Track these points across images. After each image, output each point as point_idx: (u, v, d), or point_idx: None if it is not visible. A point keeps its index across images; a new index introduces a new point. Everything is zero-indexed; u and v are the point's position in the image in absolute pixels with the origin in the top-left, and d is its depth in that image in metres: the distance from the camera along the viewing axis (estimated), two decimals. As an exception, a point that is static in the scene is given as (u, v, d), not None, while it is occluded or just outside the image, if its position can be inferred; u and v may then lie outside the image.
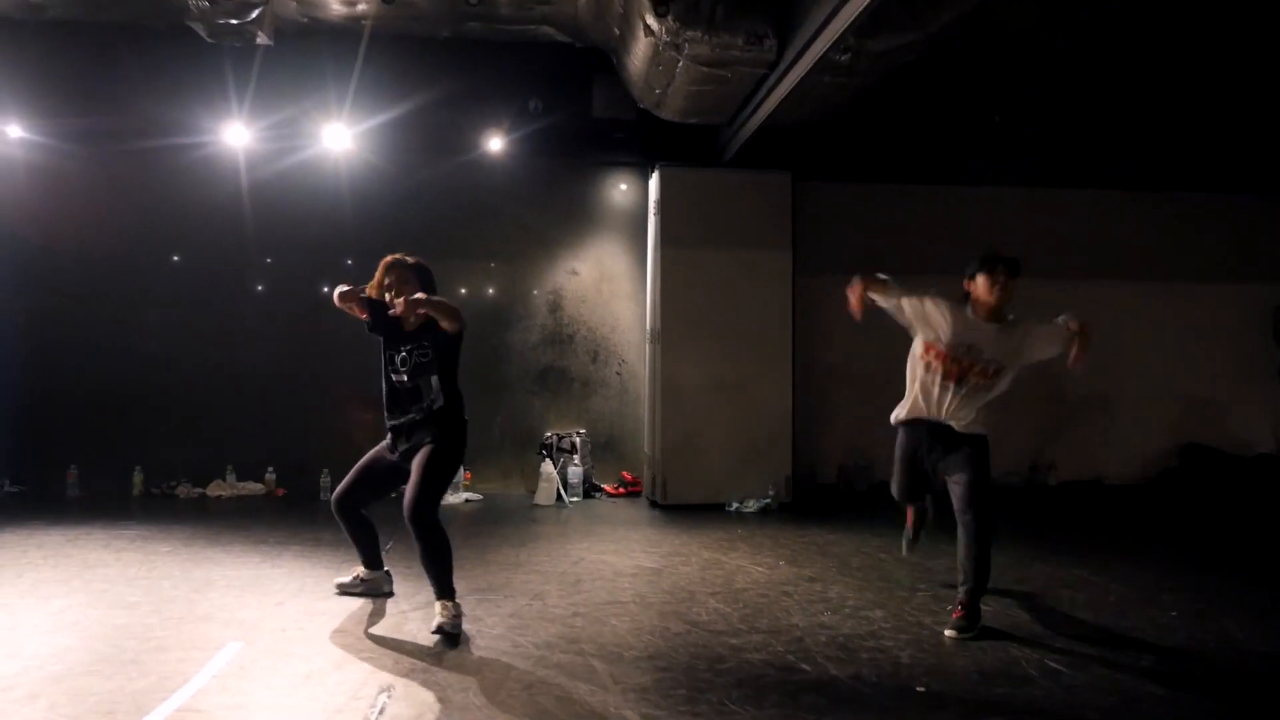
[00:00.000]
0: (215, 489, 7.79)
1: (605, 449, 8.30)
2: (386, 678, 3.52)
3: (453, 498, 7.61)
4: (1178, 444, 8.84)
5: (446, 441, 4.35)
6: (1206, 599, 4.80)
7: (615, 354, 8.36)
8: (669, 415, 7.56)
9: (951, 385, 4.19)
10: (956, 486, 4.22)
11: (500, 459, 8.17)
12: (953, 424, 4.24)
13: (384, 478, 4.57)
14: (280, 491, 7.88)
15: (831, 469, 8.49)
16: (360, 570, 4.73)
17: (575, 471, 7.84)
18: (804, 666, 3.70)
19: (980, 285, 4.17)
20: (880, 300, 4.36)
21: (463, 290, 8.07)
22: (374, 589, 4.69)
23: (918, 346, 4.37)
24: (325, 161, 7.56)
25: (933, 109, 8.16)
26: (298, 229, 7.80)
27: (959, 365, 4.17)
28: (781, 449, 7.68)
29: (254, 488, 7.85)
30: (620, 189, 8.33)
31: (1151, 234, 8.88)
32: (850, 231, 8.47)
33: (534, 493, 7.69)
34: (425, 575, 4.21)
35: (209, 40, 5.65)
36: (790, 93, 5.71)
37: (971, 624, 4.12)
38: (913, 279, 8.66)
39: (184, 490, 7.75)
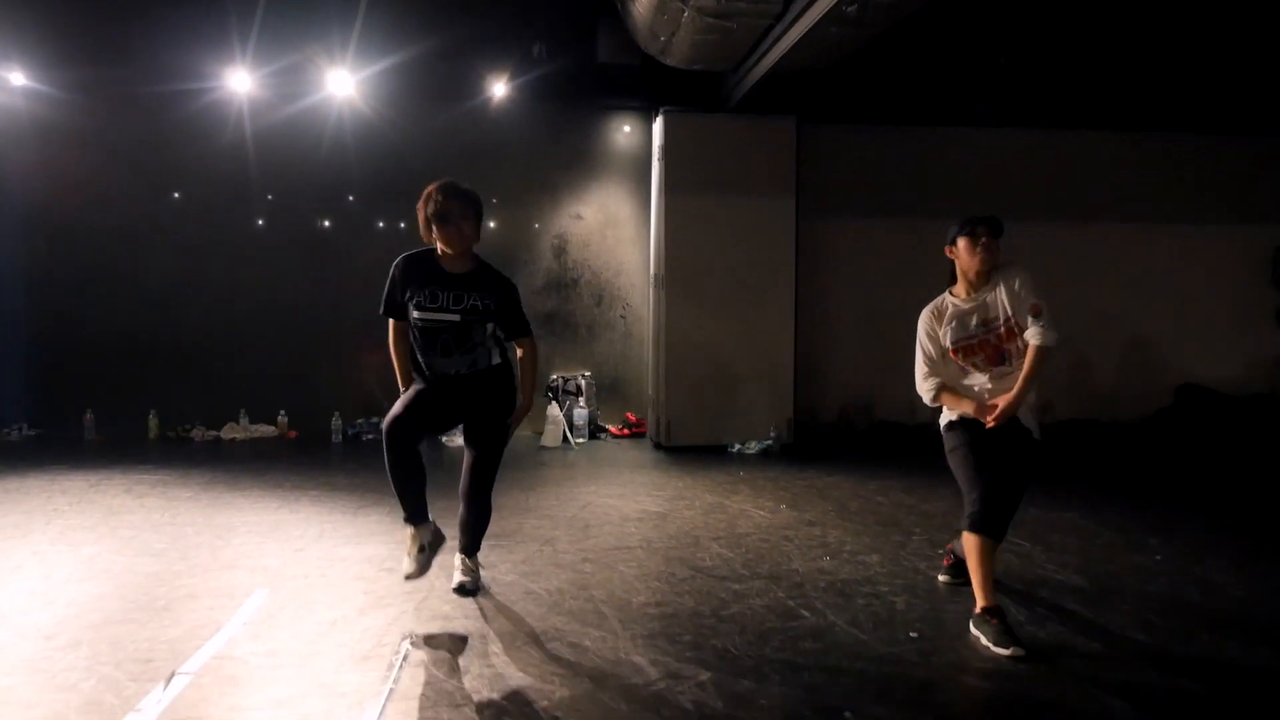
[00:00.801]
0: (229, 432, 7.97)
1: (610, 391, 8.46)
2: (407, 624, 3.71)
3: (460, 440, 7.77)
4: (1174, 384, 8.99)
5: (510, 410, 4.13)
6: (1193, 543, 4.98)
7: (619, 298, 8.47)
8: (672, 358, 7.69)
9: (996, 368, 3.89)
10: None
11: (507, 401, 8.33)
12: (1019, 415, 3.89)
13: (440, 416, 4.05)
14: (293, 434, 8.07)
15: (833, 410, 8.66)
16: (415, 535, 3.95)
17: (580, 413, 8.01)
18: (804, 612, 3.89)
19: (962, 250, 3.95)
20: (955, 397, 3.95)
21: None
22: (440, 540, 4.07)
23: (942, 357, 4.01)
24: (329, 108, 7.59)
25: (939, 51, 8.14)
26: (303, 174, 7.85)
27: (989, 344, 3.89)
28: (783, 391, 7.83)
29: (267, 430, 8.04)
30: (624, 132, 8.35)
31: (1152, 175, 8.91)
32: (854, 174, 8.52)
33: (540, 435, 7.87)
34: (461, 531, 4.13)
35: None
36: (796, 43, 5.72)
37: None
38: (916, 221, 8.82)
39: (198, 433, 7.93)
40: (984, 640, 3.54)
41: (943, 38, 7.95)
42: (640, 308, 8.43)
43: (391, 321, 4.05)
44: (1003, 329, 3.90)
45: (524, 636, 3.60)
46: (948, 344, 3.96)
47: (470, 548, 4.18)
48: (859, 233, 8.59)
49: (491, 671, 3.28)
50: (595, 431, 8.18)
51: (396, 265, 4.00)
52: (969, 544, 3.69)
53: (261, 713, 2.94)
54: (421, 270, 3.95)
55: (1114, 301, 8.84)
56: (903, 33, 7.07)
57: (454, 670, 3.28)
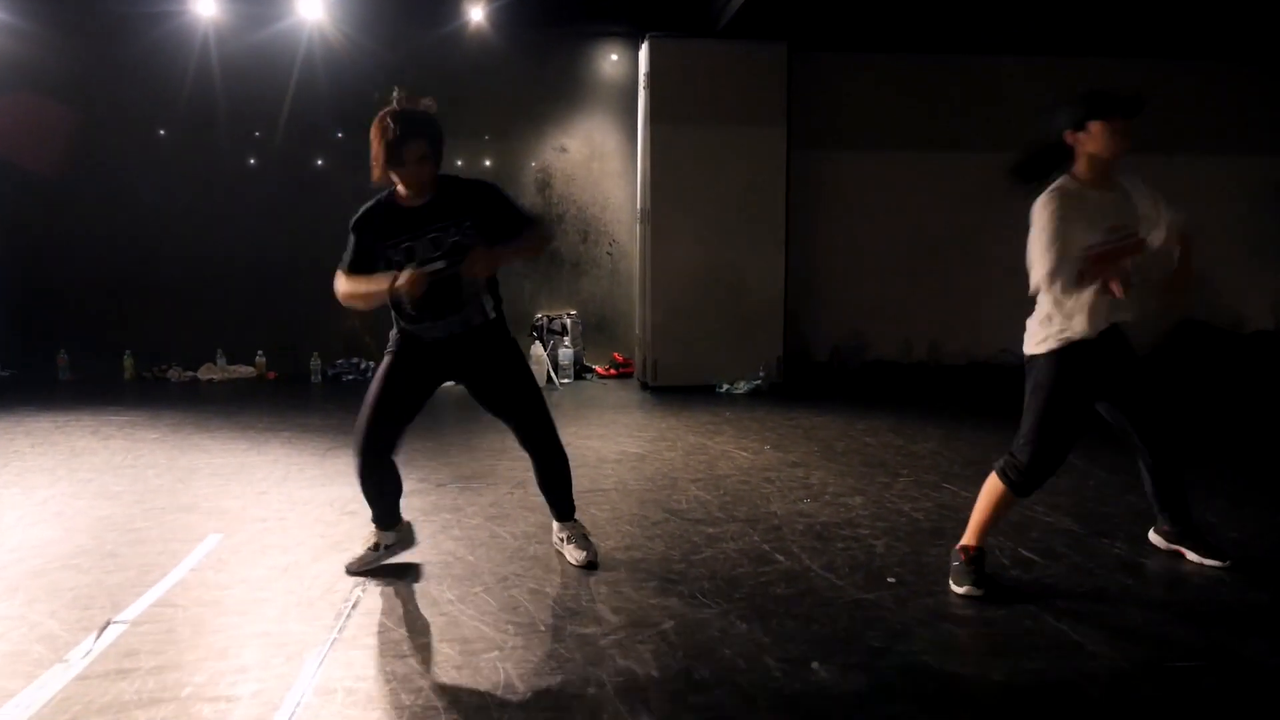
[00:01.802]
0: (206, 372, 7.79)
1: (597, 330, 8.26)
2: (357, 582, 3.55)
3: (448, 381, 7.59)
4: (1171, 320, 8.75)
5: (519, 359, 3.68)
6: (1187, 484, 4.78)
7: (606, 234, 8.21)
8: (659, 296, 7.47)
9: (1130, 277, 3.23)
10: (1141, 411, 3.47)
11: (491, 341, 8.13)
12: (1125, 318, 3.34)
13: (421, 391, 3.57)
14: (271, 375, 7.89)
15: (825, 348, 8.45)
16: (376, 535, 3.61)
17: (566, 353, 7.81)
18: (778, 556, 3.72)
19: (1098, 137, 3.24)
20: (1090, 271, 3.21)
21: (448, 168, 7.87)
22: (403, 545, 3.67)
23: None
24: (299, 34, 7.25)
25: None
26: (274, 106, 7.55)
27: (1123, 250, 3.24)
28: (773, 329, 7.62)
29: (245, 371, 7.86)
30: (611, 60, 8.02)
31: (1157, 103, 8.52)
32: (848, 104, 8.21)
33: (525, 375, 7.67)
34: (545, 495, 3.74)
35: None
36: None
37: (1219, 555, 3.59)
38: (913, 155, 8.51)
39: (175, 374, 7.76)
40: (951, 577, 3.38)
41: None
42: (628, 244, 8.17)
43: (343, 274, 3.40)
44: (1134, 239, 3.25)
45: (484, 582, 3.44)
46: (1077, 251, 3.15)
47: (565, 510, 3.74)
48: (855, 166, 8.29)
49: (444, 620, 3.12)
50: (581, 372, 8.00)
51: (355, 227, 3.38)
52: (993, 489, 3.35)
53: (195, 664, 2.79)
54: (384, 222, 3.33)
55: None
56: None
57: (404, 619, 3.13)
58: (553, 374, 7.63)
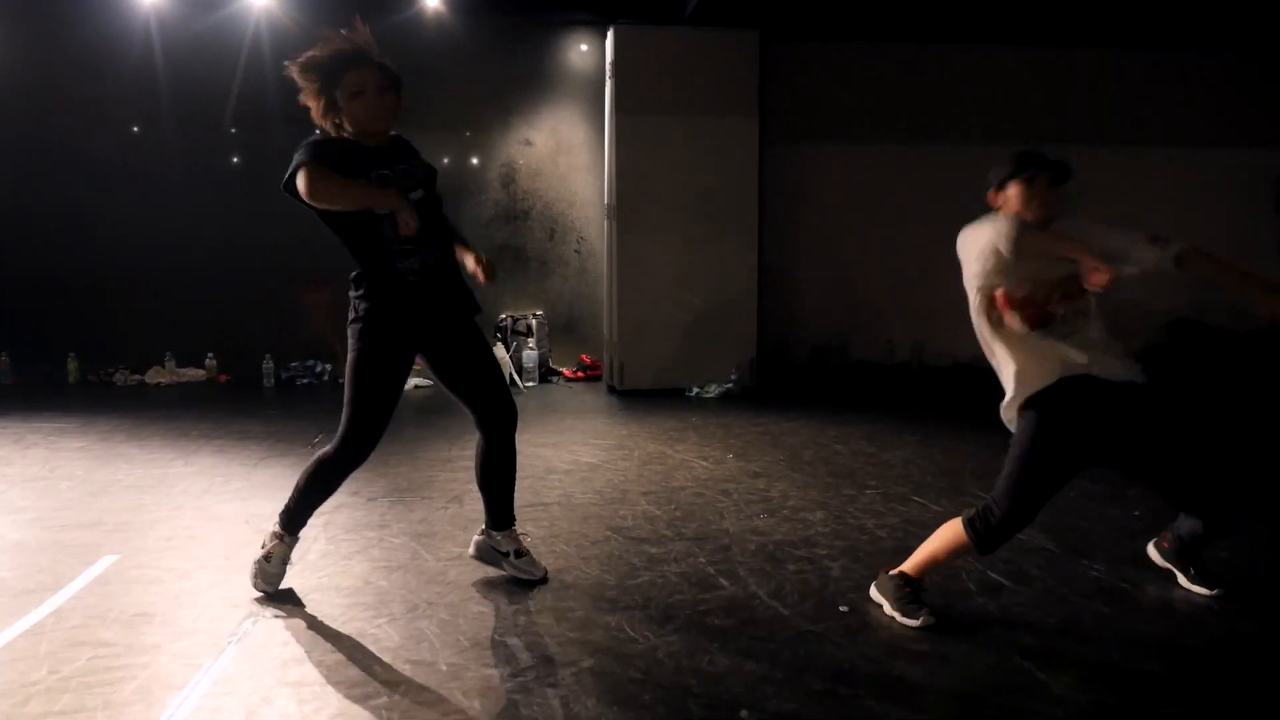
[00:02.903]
0: (154, 376, 7.45)
1: (565, 331, 7.92)
2: (258, 606, 3.22)
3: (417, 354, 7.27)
4: (1167, 319, 8.42)
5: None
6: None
7: (574, 230, 7.88)
8: (627, 295, 7.13)
9: (1081, 316, 3.02)
10: (1174, 473, 3.02)
11: (454, 342, 7.79)
12: (1104, 371, 2.96)
13: (397, 386, 3.24)
14: (223, 378, 7.55)
15: (805, 349, 8.11)
16: (290, 543, 3.28)
17: (530, 355, 7.48)
18: (723, 581, 3.38)
19: (1015, 200, 2.98)
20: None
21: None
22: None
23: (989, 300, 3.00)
24: (245, 21, 6.91)
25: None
26: (220, 97, 7.20)
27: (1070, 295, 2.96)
28: (746, 330, 7.28)
29: (195, 374, 7.52)
30: (580, 50, 7.68)
31: (1149, 95, 8.22)
32: (824, 96, 7.87)
33: (487, 378, 7.33)
34: (488, 494, 3.36)
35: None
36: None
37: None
38: (897, 148, 8.18)
39: (121, 377, 7.42)
40: (887, 606, 3.06)
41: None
42: (596, 241, 7.83)
43: (309, 166, 2.90)
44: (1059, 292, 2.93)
45: (391, 612, 3.10)
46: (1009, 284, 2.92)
47: (507, 516, 3.36)
48: (835, 159, 7.95)
49: (336, 660, 2.78)
50: (547, 375, 7.65)
51: (313, 147, 2.98)
52: (954, 536, 3.00)
53: (38, 713, 2.45)
54: (350, 160, 3.00)
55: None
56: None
57: (289, 660, 2.78)
58: (515, 377, 7.30)
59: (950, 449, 5.33)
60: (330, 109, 3.08)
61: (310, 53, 3.10)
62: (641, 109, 6.98)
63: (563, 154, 7.79)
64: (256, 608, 3.13)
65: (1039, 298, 2.91)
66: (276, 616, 3.07)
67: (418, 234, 2.94)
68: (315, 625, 3.00)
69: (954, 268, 3.13)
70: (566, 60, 7.70)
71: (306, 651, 2.82)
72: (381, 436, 3.19)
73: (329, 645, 2.86)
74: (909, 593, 3.04)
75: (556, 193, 7.82)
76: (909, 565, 3.11)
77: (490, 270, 3.29)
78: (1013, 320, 2.92)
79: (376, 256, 3.05)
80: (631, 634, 2.95)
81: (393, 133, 3.22)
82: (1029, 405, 2.98)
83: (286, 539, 3.25)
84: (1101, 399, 2.93)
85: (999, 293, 2.92)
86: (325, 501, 3.30)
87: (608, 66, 7.19)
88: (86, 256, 7.34)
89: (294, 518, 3.26)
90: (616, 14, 7.00)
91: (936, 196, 7.92)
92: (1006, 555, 3.64)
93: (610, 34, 7.03)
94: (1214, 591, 3.24)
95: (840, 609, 3.14)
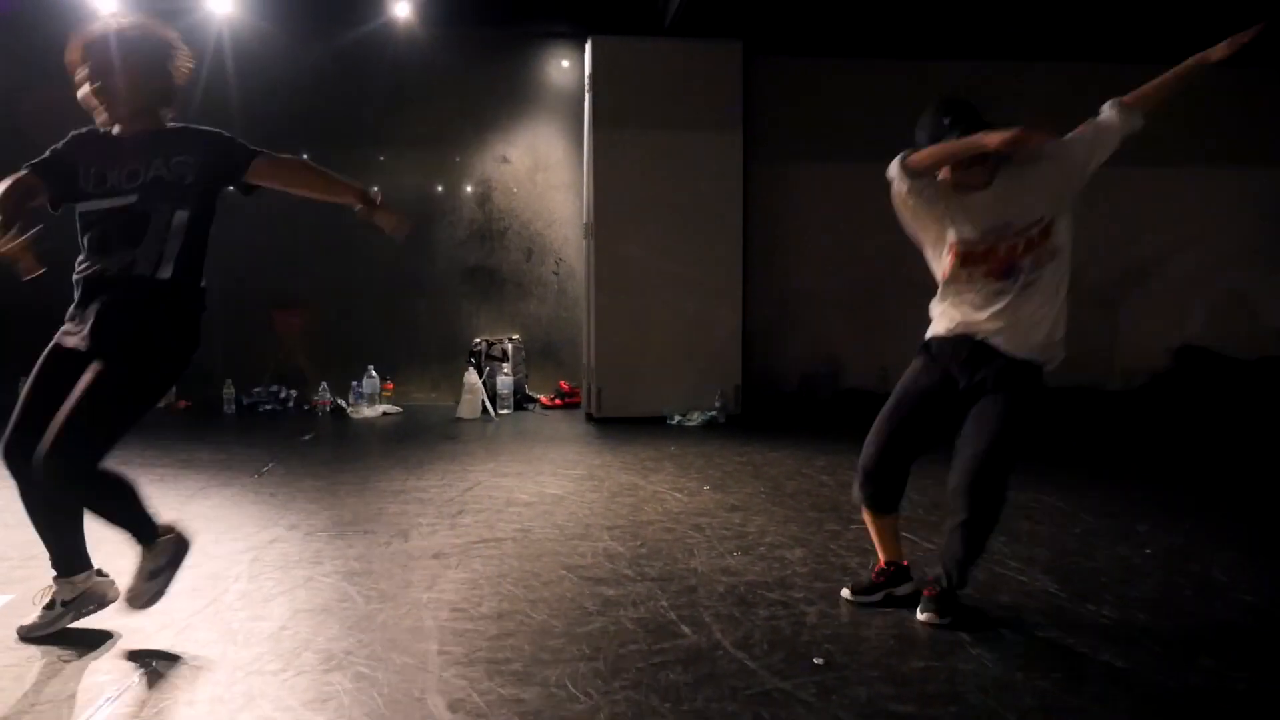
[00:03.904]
0: (109, 402, 7.07)
1: (542, 356, 7.58)
2: (162, 643, 2.84)
3: (368, 410, 6.92)
4: (1172, 346, 8.08)
5: (159, 339, 2.87)
6: (1188, 532, 4.09)
7: (552, 251, 7.56)
8: (605, 319, 6.79)
9: (998, 283, 2.97)
10: (967, 448, 3.00)
11: (426, 368, 7.45)
12: (1005, 344, 2.99)
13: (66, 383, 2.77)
14: (183, 404, 7.19)
15: (794, 377, 7.76)
16: (51, 587, 2.96)
17: (505, 381, 7.13)
18: (684, 629, 3.00)
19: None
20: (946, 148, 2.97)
21: (377, 184, 7.22)
22: (78, 609, 2.95)
23: (938, 254, 3.14)
24: (207, 30, 6.62)
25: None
26: (183, 109, 6.89)
27: (995, 255, 2.97)
28: (731, 356, 6.94)
29: (152, 400, 7.14)
30: (559, 65, 7.42)
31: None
32: (811, 112, 7.58)
33: (459, 404, 6.99)
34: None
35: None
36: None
37: (946, 611, 3.02)
38: (883, 167, 7.84)
39: (73, 403, 7.04)
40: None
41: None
42: (575, 262, 7.51)
43: (15, 176, 2.84)
44: (1020, 238, 2.92)
45: (304, 664, 2.72)
46: (951, 238, 3.01)
47: (141, 532, 2.87)
48: (825, 177, 7.64)
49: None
50: (523, 402, 7.30)
51: (71, 134, 2.93)
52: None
53: None
54: (91, 147, 2.88)
55: (1105, 254, 7.88)
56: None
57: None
58: (488, 405, 6.94)
59: (942, 480, 4.90)
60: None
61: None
62: (621, 123, 6.68)
63: (541, 171, 7.49)
64: (148, 657, 2.74)
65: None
66: (168, 668, 2.68)
67: (98, 245, 2.85)
68: (213, 679, 2.62)
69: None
70: (544, 74, 7.42)
71: (194, 712, 2.44)
72: (21, 460, 2.75)
73: (222, 704, 2.48)
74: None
75: (534, 212, 7.51)
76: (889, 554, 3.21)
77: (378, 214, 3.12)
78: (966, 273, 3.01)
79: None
80: (573, 690, 2.56)
81: (172, 125, 2.98)
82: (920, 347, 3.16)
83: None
84: (963, 361, 3.02)
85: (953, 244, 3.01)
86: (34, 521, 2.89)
87: (586, 79, 6.89)
88: (44, 278, 6.99)
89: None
90: (595, 25, 6.73)
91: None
92: (1006, 599, 3.28)
93: (589, 45, 6.74)
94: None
95: (815, 661, 2.76)
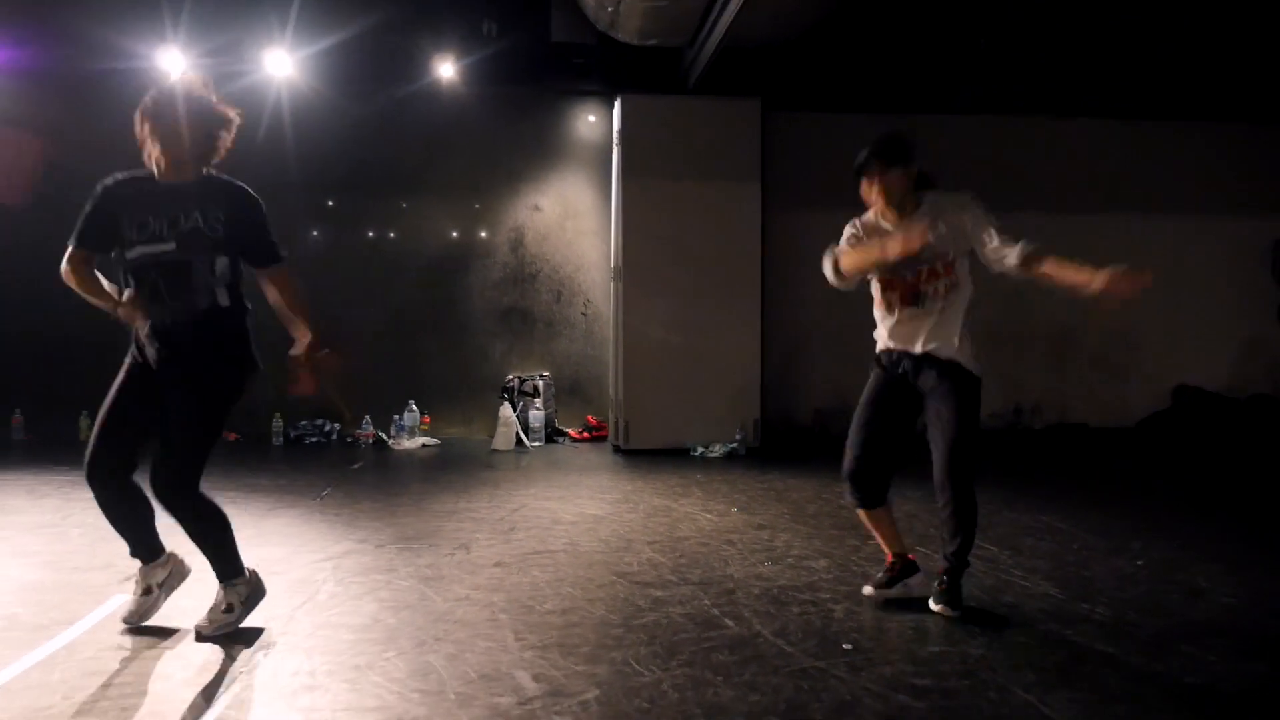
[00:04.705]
0: (163, 434, 7.51)
1: (570, 392, 8.00)
2: (273, 632, 3.26)
3: (408, 443, 7.35)
4: (1169, 385, 8.49)
5: (224, 365, 3.32)
6: (1178, 547, 4.49)
7: (580, 293, 8.02)
8: (632, 356, 7.23)
9: (910, 309, 3.52)
10: (936, 446, 3.52)
11: (461, 403, 7.88)
12: (932, 350, 3.51)
13: (151, 403, 3.24)
14: (232, 436, 7.60)
15: (807, 411, 8.18)
16: (142, 574, 3.40)
17: (536, 415, 7.54)
18: (727, 622, 3.41)
19: (863, 190, 3.65)
20: (858, 258, 3.55)
21: (415, 230, 7.77)
22: (179, 578, 3.47)
23: (874, 284, 3.70)
24: (267, 90, 7.15)
25: (914, 33, 7.69)
26: (240, 160, 7.38)
27: (905, 283, 3.51)
28: (750, 391, 7.36)
29: (204, 432, 7.57)
30: (588, 120, 7.92)
31: (1144, 164, 8.42)
32: (825, 163, 8.02)
33: (494, 436, 7.40)
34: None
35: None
36: (745, 5, 5.28)
37: (957, 603, 3.46)
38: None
39: (131, 435, 7.48)
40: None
41: (918, 19, 7.52)
42: (602, 304, 7.97)
43: (71, 251, 3.23)
44: (925, 269, 3.46)
45: (399, 647, 3.13)
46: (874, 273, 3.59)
47: (222, 569, 3.30)
48: (834, 224, 8.09)
49: (343, 687, 2.81)
50: (553, 435, 7.71)
51: (101, 187, 3.23)
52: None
53: (51, 735, 2.49)
54: (133, 192, 3.19)
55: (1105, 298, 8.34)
56: (874, 13, 6.68)
57: (299, 687, 2.82)
58: (522, 437, 7.36)
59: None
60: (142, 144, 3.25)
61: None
62: (647, 175, 7.18)
63: (570, 219, 7.98)
64: (267, 642, 3.16)
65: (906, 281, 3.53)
66: (285, 650, 3.10)
67: (148, 289, 3.18)
68: (325, 658, 3.03)
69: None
70: (574, 128, 7.93)
71: (315, 681, 2.85)
72: (122, 457, 3.25)
73: (338, 676, 2.89)
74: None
75: (564, 256, 7.98)
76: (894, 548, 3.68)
77: (311, 368, 3.45)
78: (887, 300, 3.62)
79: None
80: (637, 668, 2.97)
81: (208, 172, 3.34)
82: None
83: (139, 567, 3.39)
84: (902, 371, 3.59)
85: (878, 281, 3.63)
86: (112, 519, 3.34)
87: (615, 134, 7.41)
88: (96, 317, 7.45)
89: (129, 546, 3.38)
90: (623, 84, 7.24)
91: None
92: (1011, 598, 3.68)
93: (618, 104, 7.26)
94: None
95: (844, 646, 3.17)
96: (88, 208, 3.24)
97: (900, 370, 3.60)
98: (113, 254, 3.28)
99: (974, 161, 8.18)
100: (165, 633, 3.26)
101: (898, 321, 3.59)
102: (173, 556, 3.44)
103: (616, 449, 7.31)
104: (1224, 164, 8.46)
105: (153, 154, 3.20)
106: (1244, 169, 8.48)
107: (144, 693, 2.77)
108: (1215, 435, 7.94)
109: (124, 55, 6.85)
